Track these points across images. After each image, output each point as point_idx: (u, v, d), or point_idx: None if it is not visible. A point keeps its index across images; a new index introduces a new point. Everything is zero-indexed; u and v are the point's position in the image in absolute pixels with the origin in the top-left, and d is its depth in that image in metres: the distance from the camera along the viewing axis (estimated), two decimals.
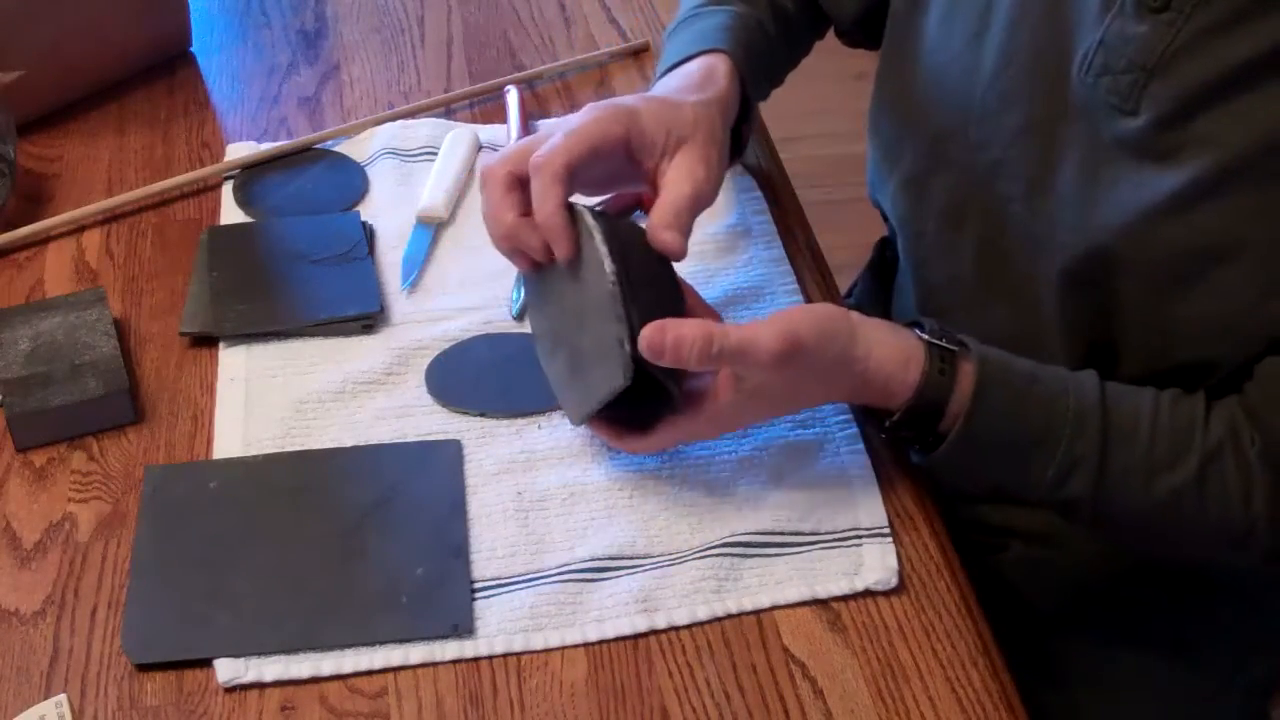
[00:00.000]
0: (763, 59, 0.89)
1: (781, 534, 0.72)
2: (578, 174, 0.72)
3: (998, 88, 0.79)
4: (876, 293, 1.08)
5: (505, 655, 0.68)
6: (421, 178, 0.94)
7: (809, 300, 0.87)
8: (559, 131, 0.73)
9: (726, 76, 0.82)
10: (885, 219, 0.98)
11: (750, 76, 0.85)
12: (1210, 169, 0.69)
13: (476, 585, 0.70)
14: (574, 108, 1.03)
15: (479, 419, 0.78)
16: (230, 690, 0.66)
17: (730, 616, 0.70)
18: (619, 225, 0.72)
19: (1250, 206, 0.69)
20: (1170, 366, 0.75)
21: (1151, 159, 0.71)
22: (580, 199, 0.75)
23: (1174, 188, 0.70)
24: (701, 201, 0.76)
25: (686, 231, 0.74)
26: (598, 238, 0.69)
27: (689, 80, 0.82)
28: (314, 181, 0.95)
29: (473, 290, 0.87)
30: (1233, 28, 0.67)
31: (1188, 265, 0.72)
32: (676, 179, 0.75)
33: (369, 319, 0.83)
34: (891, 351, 0.72)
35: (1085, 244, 0.76)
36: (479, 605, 0.69)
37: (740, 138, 0.87)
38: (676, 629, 0.69)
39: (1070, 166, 0.76)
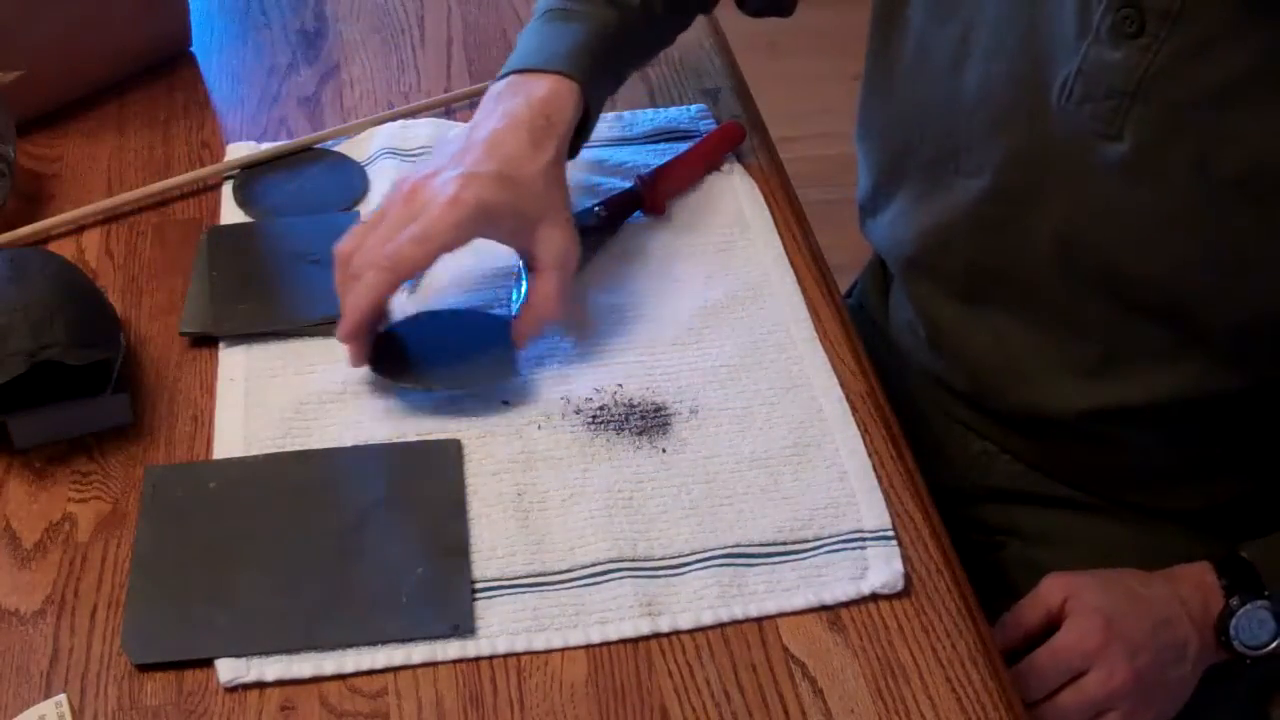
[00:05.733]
0: (613, 68, 0.88)
1: (785, 544, 0.72)
2: None
3: (980, 118, 0.79)
4: (876, 293, 1.09)
5: (506, 655, 0.68)
6: None
7: (808, 299, 0.86)
8: (410, 232, 0.73)
9: (571, 107, 0.81)
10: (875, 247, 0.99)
11: (595, 97, 0.84)
12: (1203, 191, 0.69)
13: (477, 585, 0.70)
14: None
15: (477, 419, 0.78)
16: (230, 690, 0.66)
17: (735, 622, 0.70)
18: None
19: (1250, 225, 0.69)
20: (1201, 369, 0.77)
21: (1141, 182, 0.71)
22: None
23: (1171, 210, 0.71)
24: (573, 270, 0.80)
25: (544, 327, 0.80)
26: None
27: (534, 123, 0.79)
28: (314, 181, 0.95)
29: (473, 290, 0.87)
30: (1207, 50, 0.67)
31: (1203, 275, 0.72)
32: (545, 268, 0.78)
33: None
34: (1157, 572, 0.82)
35: (1089, 260, 0.77)
36: (479, 605, 0.69)
37: (577, 140, 0.86)
38: (678, 631, 0.69)
39: (1063, 191, 0.76)
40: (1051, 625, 0.82)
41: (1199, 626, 0.80)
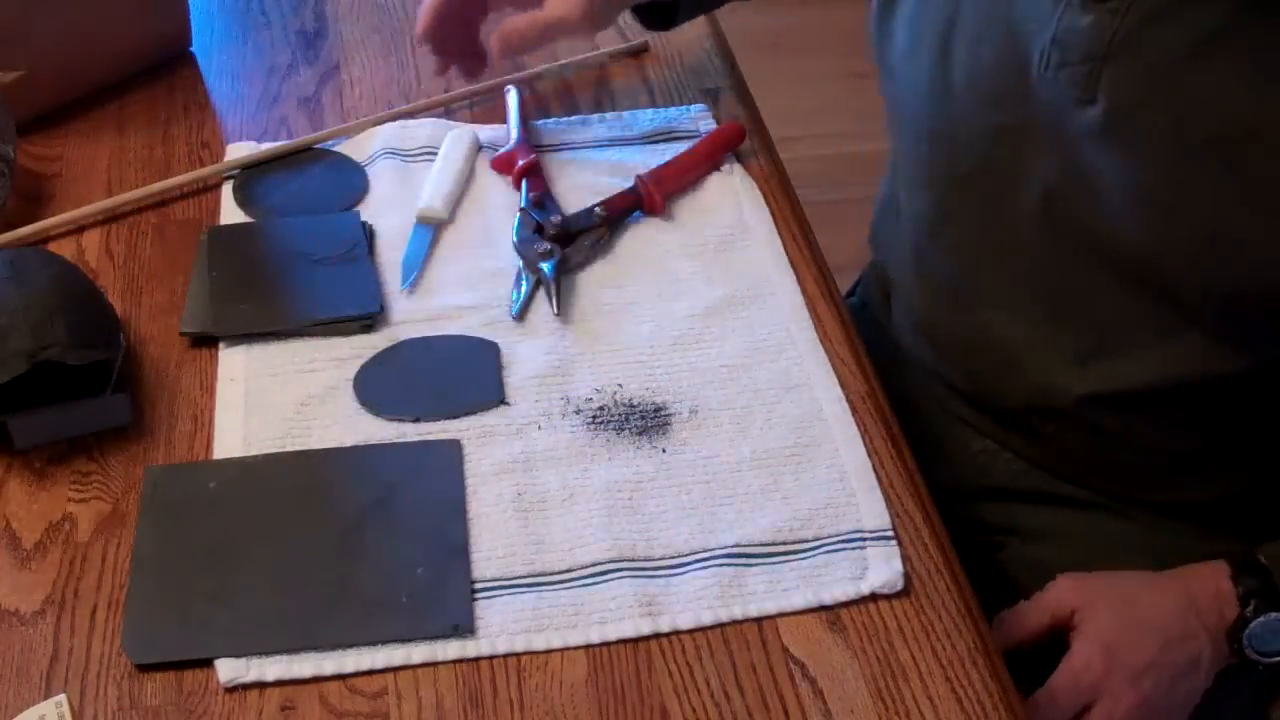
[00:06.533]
0: None
1: (785, 544, 0.72)
2: None
3: (970, 98, 0.80)
4: (879, 292, 1.09)
5: (506, 655, 0.68)
6: (421, 178, 0.94)
7: (808, 299, 0.87)
8: None
9: None
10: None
11: None
12: (1178, 154, 0.69)
13: (477, 585, 0.70)
14: (574, 108, 1.03)
15: (477, 421, 0.78)
16: (230, 690, 0.66)
17: (735, 622, 0.70)
18: None
19: (1224, 191, 0.69)
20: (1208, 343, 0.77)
21: (1118, 147, 0.72)
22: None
23: (1149, 178, 0.71)
24: (562, 32, 0.85)
25: (517, 52, 0.88)
26: None
27: None
28: (314, 181, 0.95)
29: (473, 290, 0.87)
30: (1175, 12, 0.68)
31: (1185, 245, 0.72)
32: (555, 4, 0.85)
33: (369, 319, 0.83)
34: (1171, 574, 0.82)
35: (1074, 231, 0.77)
36: (479, 605, 0.69)
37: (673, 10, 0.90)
38: (678, 631, 0.69)
39: (1046, 161, 0.77)
40: (1056, 630, 0.82)
41: (1213, 636, 0.80)
